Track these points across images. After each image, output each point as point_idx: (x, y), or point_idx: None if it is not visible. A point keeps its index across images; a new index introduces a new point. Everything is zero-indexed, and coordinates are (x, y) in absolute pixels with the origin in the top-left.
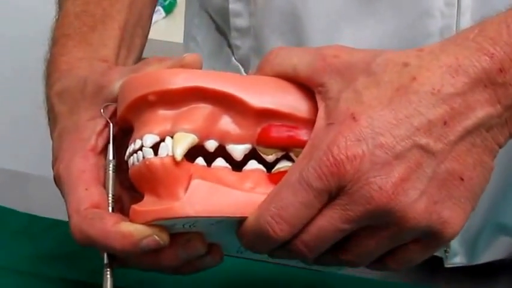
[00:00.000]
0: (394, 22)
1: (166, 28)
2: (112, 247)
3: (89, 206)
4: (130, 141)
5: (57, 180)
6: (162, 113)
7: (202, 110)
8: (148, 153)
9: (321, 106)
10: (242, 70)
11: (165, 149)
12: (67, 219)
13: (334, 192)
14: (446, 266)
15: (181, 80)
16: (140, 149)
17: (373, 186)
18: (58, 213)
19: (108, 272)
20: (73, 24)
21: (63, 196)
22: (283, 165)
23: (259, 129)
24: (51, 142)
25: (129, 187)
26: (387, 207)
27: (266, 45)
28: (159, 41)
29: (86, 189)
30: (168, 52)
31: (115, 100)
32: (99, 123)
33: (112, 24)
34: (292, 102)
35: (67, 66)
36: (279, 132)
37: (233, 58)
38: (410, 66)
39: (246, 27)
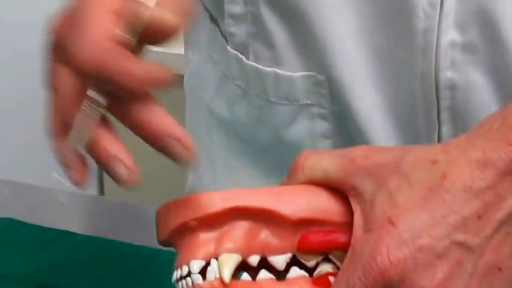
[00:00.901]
0: (382, 18)
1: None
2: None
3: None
4: (177, 265)
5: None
6: (204, 235)
7: (242, 227)
8: (197, 279)
9: (356, 210)
10: (242, 57)
11: (212, 273)
12: (74, 231)
13: None
14: None
15: (219, 202)
16: (188, 275)
17: None
18: (65, 224)
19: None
20: None
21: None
22: (324, 267)
23: (297, 238)
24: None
25: None
26: None
27: (268, 30)
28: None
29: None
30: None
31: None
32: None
33: None
34: (326, 207)
35: None
36: (317, 238)
37: (228, 46)
38: (439, 163)
39: (241, 13)
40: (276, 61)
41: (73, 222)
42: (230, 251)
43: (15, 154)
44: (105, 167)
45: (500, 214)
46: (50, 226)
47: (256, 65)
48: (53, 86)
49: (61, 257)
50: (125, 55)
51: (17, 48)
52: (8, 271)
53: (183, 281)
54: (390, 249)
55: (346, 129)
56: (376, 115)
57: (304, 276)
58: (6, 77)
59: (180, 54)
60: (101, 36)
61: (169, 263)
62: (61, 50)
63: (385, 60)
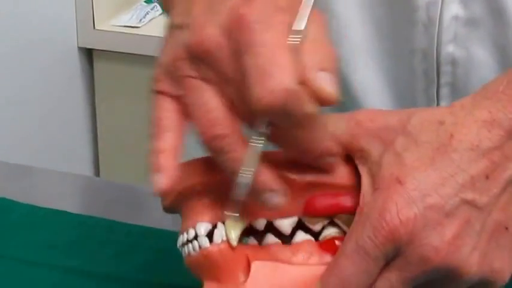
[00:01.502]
0: None
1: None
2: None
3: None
4: (182, 229)
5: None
6: (210, 199)
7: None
8: (204, 242)
9: (363, 172)
10: None
11: (219, 236)
12: (65, 210)
13: (391, 256)
14: None
15: None
16: (195, 238)
17: (428, 248)
18: (57, 203)
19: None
20: None
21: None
22: (330, 231)
23: (303, 201)
24: (50, 136)
25: None
26: (442, 265)
27: None
28: (157, 37)
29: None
30: None
31: None
32: None
33: None
34: (332, 170)
35: None
36: (323, 202)
37: None
38: (446, 124)
39: None
40: None
41: (67, 202)
42: (236, 215)
43: (8, 136)
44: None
45: (507, 174)
46: (42, 205)
47: None
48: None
49: (54, 236)
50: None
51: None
52: (1, 250)
53: (189, 245)
54: (400, 208)
55: (343, 105)
56: (374, 91)
57: (310, 240)
58: (4, 64)
59: None
60: (289, 80)
61: (162, 241)
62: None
63: (386, 36)
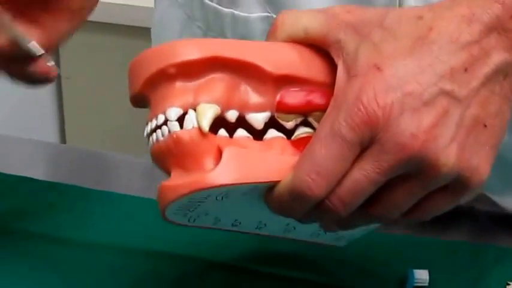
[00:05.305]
0: None
1: None
2: None
3: None
4: (150, 117)
5: None
6: (182, 85)
7: (222, 80)
8: (175, 126)
9: (339, 62)
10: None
11: (190, 122)
12: (32, 176)
13: (366, 143)
14: None
15: (199, 50)
16: (164, 123)
17: (405, 134)
18: (23, 170)
19: None
20: None
21: None
22: (303, 131)
23: (278, 96)
24: (16, 104)
25: None
26: (419, 154)
27: None
28: (123, 5)
29: None
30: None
31: None
32: None
33: None
34: (308, 66)
35: None
36: (297, 97)
37: None
38: (425, 18)
39: None
40: (234, 2)
41: (34, 169)
42: (208, 102)
43: None
44: None
45: (486, 69)
46: (8, 172)
47: (215, 5)
48: None
49: (20, 202)
50: None
51: None
52: None
53: (158, 130)
54: (377, 92)
55: None
56: None
57: (282, 138)
58: None
59: (147, 7)
60: None
61: (129, 206)
62: None
63: None
